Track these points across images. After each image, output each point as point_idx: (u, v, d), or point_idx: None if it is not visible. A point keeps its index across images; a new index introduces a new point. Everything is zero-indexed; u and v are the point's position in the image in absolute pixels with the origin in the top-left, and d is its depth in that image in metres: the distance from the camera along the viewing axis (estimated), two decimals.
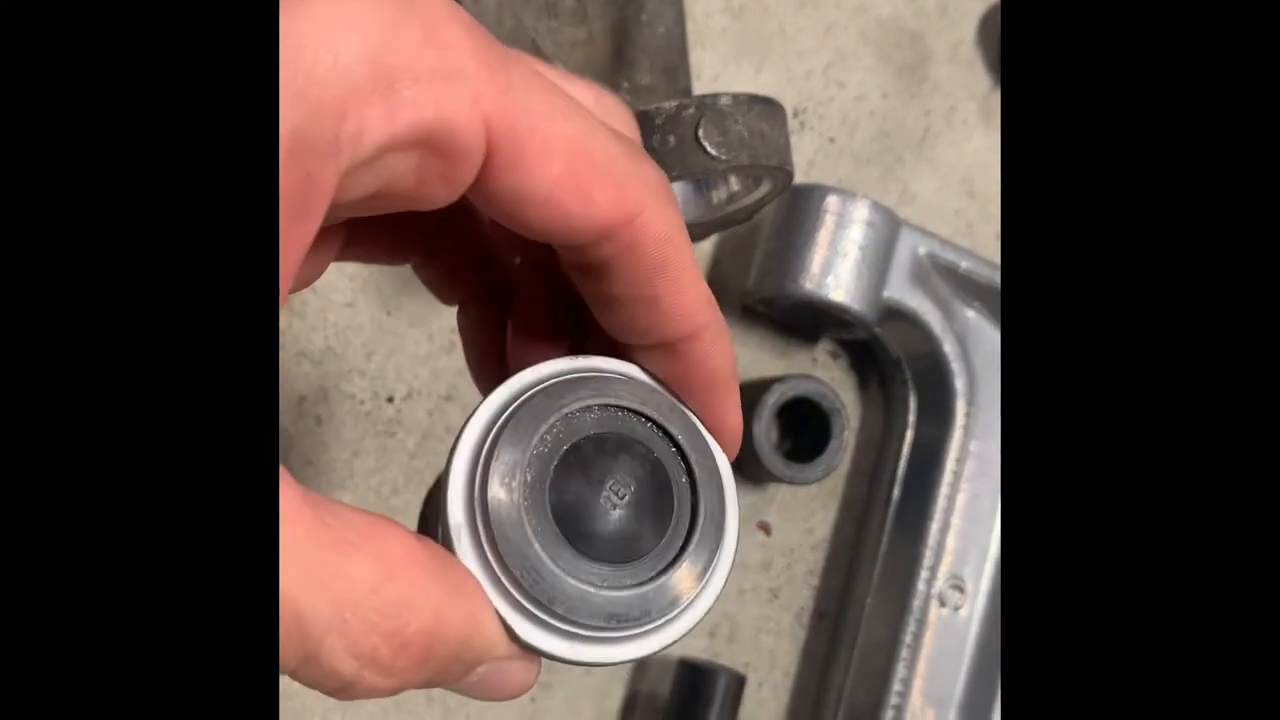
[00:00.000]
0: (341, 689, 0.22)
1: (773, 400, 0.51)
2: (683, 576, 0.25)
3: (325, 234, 0.26)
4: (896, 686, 0.51)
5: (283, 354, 0.49)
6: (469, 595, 0.24)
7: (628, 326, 0.27)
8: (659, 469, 0.26)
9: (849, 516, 0.56)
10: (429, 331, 0.52)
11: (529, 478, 0.24)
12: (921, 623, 0.52)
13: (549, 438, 0.25)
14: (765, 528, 0.55)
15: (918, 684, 0.52)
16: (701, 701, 0.47)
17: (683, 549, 0.25)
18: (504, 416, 0.25)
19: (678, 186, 0.43)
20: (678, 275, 0.26)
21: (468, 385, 0.53)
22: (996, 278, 0.54)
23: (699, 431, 0.27)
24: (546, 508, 0.24)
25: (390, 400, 0.52)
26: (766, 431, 0.51)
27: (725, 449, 0.28)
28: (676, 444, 0.26)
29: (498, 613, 0.24)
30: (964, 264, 0.53)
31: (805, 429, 0.53)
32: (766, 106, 0.36)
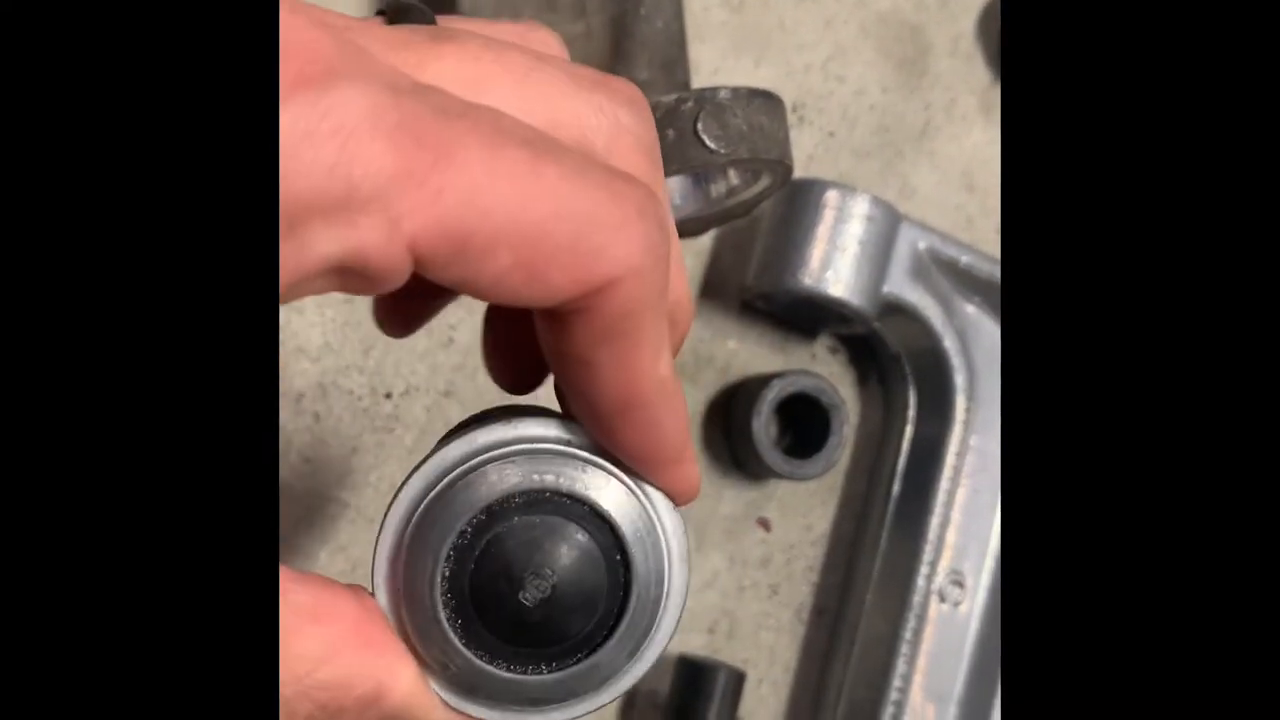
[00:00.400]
0: None
1: (772, 396, 0.51)
2: (610, 657, 0.25)
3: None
4: (897, 682, 0.51)
5: (280, 350, 0.49)
6: (410, 665, 0.24)
7: (567, 384, 0.25)
8: (588, 554, 0.25)
9: (848, 513, 0.56)
10: (427, 327, 0.52)
11: (447, 574, 0.24)
12: (921, 618, 0.52)
13: (469, 530, 0.24)
14: (765, 524, 0.55)
15: (918, 680, 0.52)
16: (701, 698, 0.47)
17: (610, 631, 0.25)
18: (424, 504, 0.25)
19: (676, 181, 0.43)
20: (627, 348, 0.24)
21: (466, 380, 0.52)
22: (997, 272, 0.54)
23: (639, 501, 0.26)
24: (467, 602, 0.24)
25: (388, 396, 0.51)
26: (765, 427, 0.51)
27: (681, 502, 0.27)
28: (610, 524, 0.25)
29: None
30: (964, 259, 0.53)
31: (804, 425, 0.53)
32: (766, 100, 0.36)
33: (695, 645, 0.53)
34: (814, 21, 0.56)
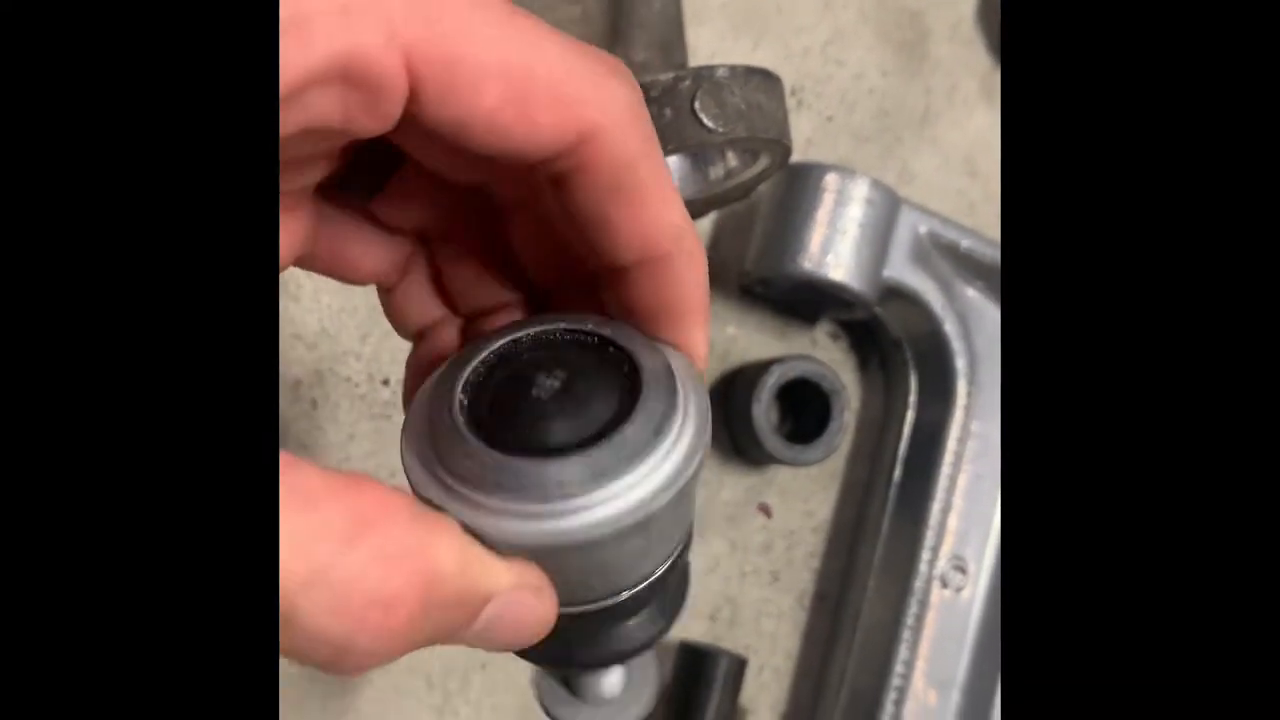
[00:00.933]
0: (336, 657, 0.21)
1: (772, 381, 0.50)
2: (634, 433, 0.23)
3: (288, 214, 0.26)
4: (899, 668, 0.51)
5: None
6: (452, 531, 0.23)
7: (587, 246, 0.26)
8: (597, 353, 0.25)
9: (850, 499, 0.56)
10: None
11: (465, 402, 0.24)
12: (924, 604, 0.52)
13: (482, 368, 0.25)
14: (766, 510, 0.54)
15: (920, 665, 0.51)
16: (703, 684, 0.47)
17: (629, 413, 0.24)
18: (443, 368, 0.25)
19: (674, 162, 0.42)
20: (635, 198, 0.25)
21: None
22: (999, 257, 0.53)
23: (648, 340, 0.26)
24: (485, 412, 0.24)
25: (385, 383, 0.51)
26: (766, 413, 0.51)
27: None
28: (614, 344, 0.25)
29: (475, 533, 0.23)
30: (965, 243, 0.53)
31: (805, 410, 0.53)
32: (764, 79, 0.35)
33: (697, 632, 0.53)
34: (813, 4, 0.56)
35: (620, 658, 0.29)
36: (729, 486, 0.54)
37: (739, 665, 0.48)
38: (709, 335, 0.27)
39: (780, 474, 0.55)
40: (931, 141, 0.58)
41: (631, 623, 0.28)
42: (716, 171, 0.42)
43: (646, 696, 0.30)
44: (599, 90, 0.24)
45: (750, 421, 0.50)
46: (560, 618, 0.25)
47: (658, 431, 0.24)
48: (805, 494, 0.55)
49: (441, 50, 0.22)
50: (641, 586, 0.26)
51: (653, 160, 0.25)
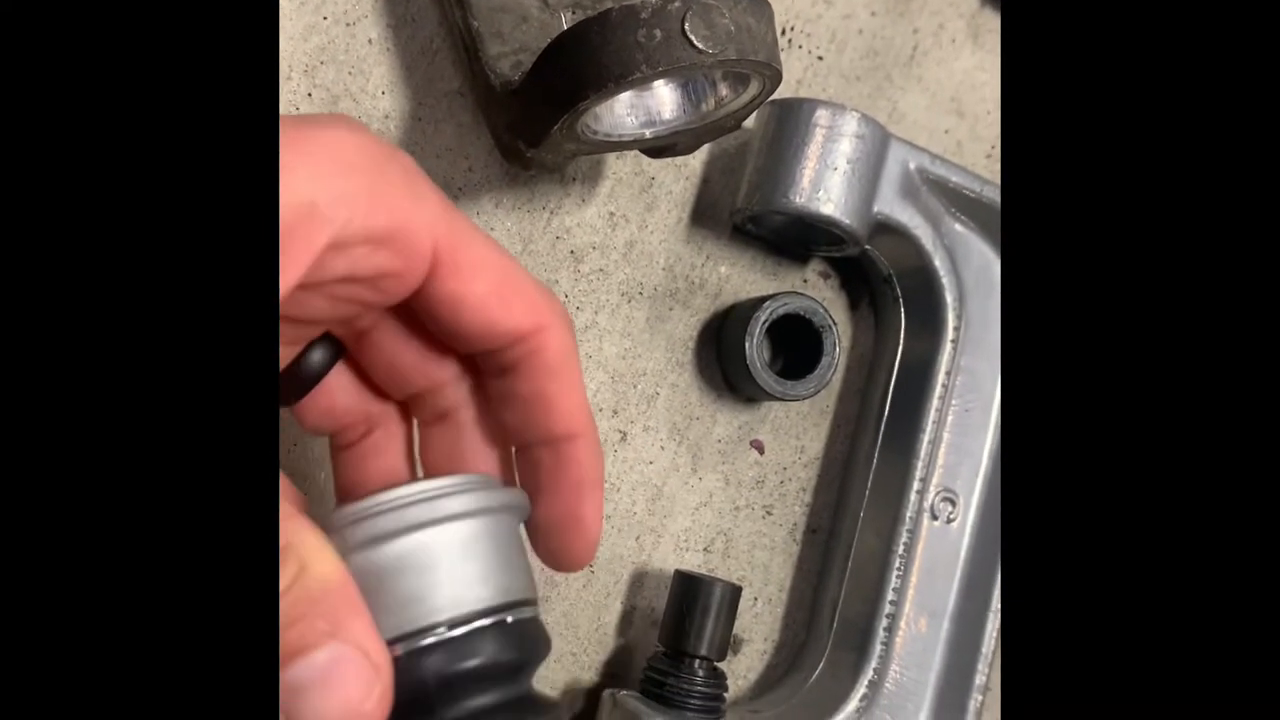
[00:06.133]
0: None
1: (764, 317, 0.51)
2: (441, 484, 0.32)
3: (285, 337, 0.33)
4: (890, 597, 0.52)
5: None
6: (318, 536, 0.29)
7: (524, 421, 0.34)
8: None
9: (841, 434, 0.56)
10: None
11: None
12: (914, 535, 0.53)
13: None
14: (758, 446, 0.55)
15: (911, 595, 0.52)
16: (699, 611, 0.48)
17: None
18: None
19: (666, 93, 0.43)
20: (568, 383, 0.34)
21: None
22: (986, 192, 0.54)
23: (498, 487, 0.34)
24: None
25: None
26: (758, 349, 0.51)
27: (582, 549, 0.35)
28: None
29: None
30: (954, 178, 0.53)
31: (797, 347, 0.53)
32: (753, 2, 0.36)
33: (691, 564, 0.54)
34: None
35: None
36: (722, 423, 0.55)
37: (735, 593, 0.49)
38: (603, 508, 0.36)
39: (773, 411, 0.55)
40: (919, 81, 0.58)
41: (473, 663, 0.31)
42: (707, 105, 0.43)
43: None
44: (548, 296, 0.33)
45: (743, 357, 0.51)
46: (403, 666, 0.29)
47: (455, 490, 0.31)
48: (797, 430, 0.56)
49: (456, 245, 0.31)
50: (460, 627, 0.31)
51: (577, 357, 0.34)
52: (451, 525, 0.31)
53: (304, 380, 0.35)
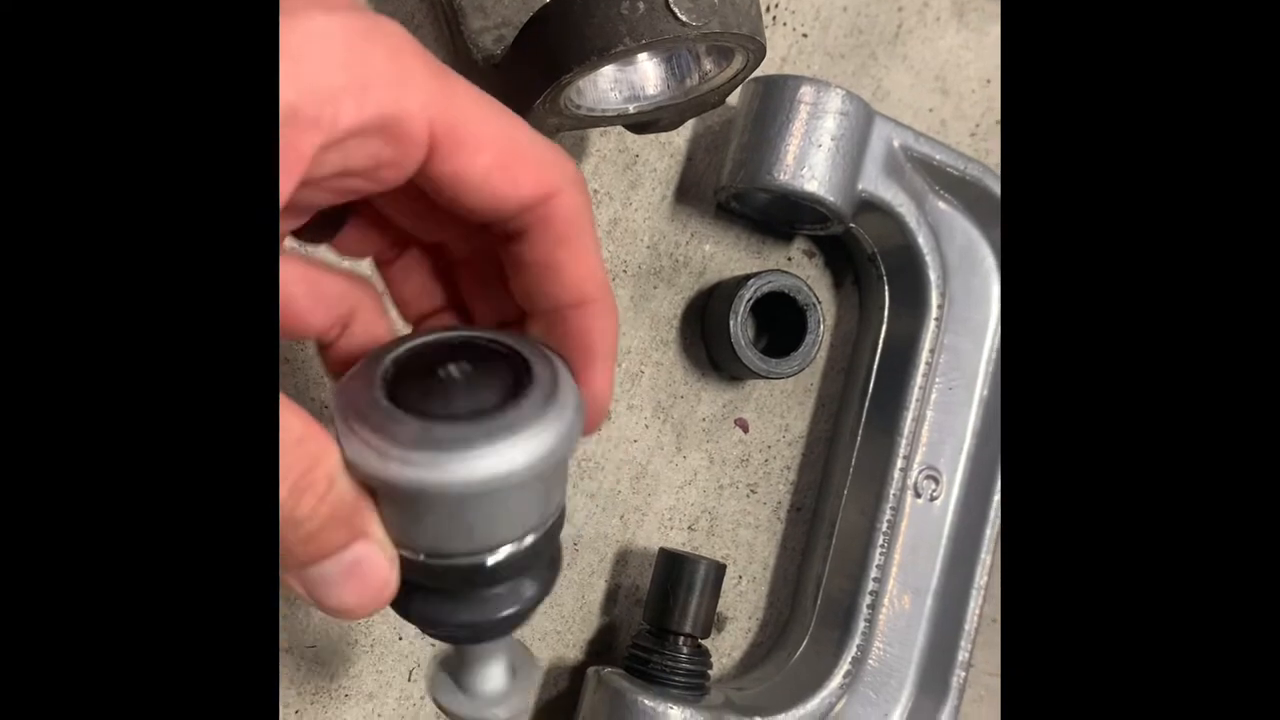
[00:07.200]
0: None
1: (748, 295, 0.51)
2: (512, 417, 0.28)
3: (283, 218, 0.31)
4: (873, 574, 0.52)
5: (285, 344, 0.49)
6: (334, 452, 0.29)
7: (533, 289, 0.33)
8: (496, 354, 0.31)
9: (825, 413, 0.57)
10: None
11: (388, 372, 0.30)
12: (898, 512, 0.53)
13: (406, 354, 0.31)
14: (743, 425, 0.55)
15: (894, 572, 0.53)
16: (683, 588, 0.48)
17: (520, 395, 0.29)
18: (378, 348, 0.32)
19: (650, 67, 0.43)
20: (579, 249, 0.32)
21: None
22: (971, 170, 0.54)
23: (549, 354, 0.31)
24: (398, 383, 0.30)
25: None
26: (742, 327, 0.51)
27: (589, 421, 0.33)
28: (517, 352, 0.31)
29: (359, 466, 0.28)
30: (938, 156, 0.53)
31: (781, 325, 0.53)
32: None
33: (675, 543, 0.54)
34: None
35: (495, 627, 0.32)
36: (706, 402, 0.54)
37: (719, 571, 0.49)
38: (614, 378, 0.34)
39: (757, 389, 0.55)
40: (903, 59, 0.58)
41: (501, 589, 0.31)
42: (691, 79, 0.43)
43: (525, 693, 0.34)
44: (558, 159, 0.31)
45: (727, 335, 0.51)
46: (432, 570, 0.30)
47: (530, 420, 0.28)
48: (781, 409, 0.56)
49: (455, 121, 0.29)
50: (503, 554, 0.30)
51: (591, 219, 0.32)
52: (519, 475, 0.29)
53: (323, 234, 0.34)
